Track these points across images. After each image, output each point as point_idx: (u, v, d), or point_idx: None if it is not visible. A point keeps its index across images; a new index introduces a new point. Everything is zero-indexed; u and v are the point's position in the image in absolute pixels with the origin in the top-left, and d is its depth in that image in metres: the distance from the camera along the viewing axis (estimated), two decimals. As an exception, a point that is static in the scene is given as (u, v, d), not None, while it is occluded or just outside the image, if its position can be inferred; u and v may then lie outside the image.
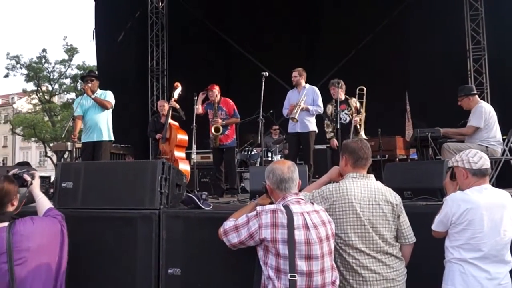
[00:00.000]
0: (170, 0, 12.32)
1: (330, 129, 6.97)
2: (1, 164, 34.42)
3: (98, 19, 11.45)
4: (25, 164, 4.77)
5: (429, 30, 10.05)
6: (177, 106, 7.38)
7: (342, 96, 6.86)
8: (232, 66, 12.07)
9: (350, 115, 6.82)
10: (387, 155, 7.97)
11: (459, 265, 2.72)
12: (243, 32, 11.59)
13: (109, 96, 6.60)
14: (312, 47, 11.50)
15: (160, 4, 12.30)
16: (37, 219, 2.80)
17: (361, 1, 10.67)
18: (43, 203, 3.03)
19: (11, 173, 3.04)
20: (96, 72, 10.45)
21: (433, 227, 2.86)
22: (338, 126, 6.44)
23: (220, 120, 6.83)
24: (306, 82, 6.91)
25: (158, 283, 3.35)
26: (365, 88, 7.03)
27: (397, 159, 7.79)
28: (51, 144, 28.82)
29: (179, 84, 7.37)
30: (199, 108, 7.00)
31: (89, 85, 6.45)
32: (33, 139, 35.15)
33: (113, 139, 6.71)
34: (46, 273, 2.71)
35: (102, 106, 6.48)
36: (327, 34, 11.26)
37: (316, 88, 6.87)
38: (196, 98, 6.99)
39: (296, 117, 6.51)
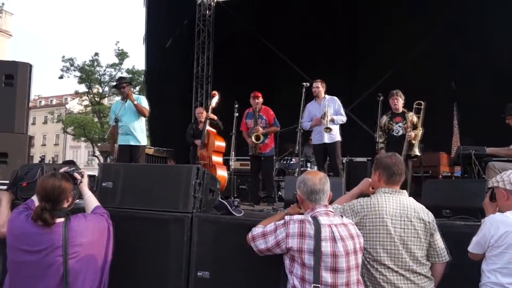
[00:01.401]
0: (218, 8, 12.55)
1: (381, 140, 6.76)
2: (40, 160, 35.64)
3: (148, 25, 11.78)
4: (70, 163, 4.97)
5: (479, 44, 9.71)
6: (215, 117, 7.48)
7: (400, 108, 6.66)
8: (275, 75, 12.11)
9: (404, 129, 6.53)
10: (430, 171, 7.78)
11: None
12: (288, 41, 11.61)
13: (144, 102, 6.77)
14: (356, 59, 11.39)
15: (207, 12, 12.53)
16: (88, 216, 2.97)
17: (406, 14, 10.48)
18: (91, 201, 3.17)
19: (62, 170, 3.17)
20: (144, 78, 10.77)
21: (470, 248, 2.75)
22: (382, 140, 6.30)
23: (260, 129, 6.86)
24: (330, 93, 6.90)
25: (187, 284, 3.40)
26: (423, 103, 6.69)
27: (441, 176, 7.59)
28: (99, 144, 29.74)
29: (216, 93, 7.50)
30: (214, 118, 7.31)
31: (125, 90, 6.64)
32: (82, 138, 36.41)
33: (146, 143, 6.84)
34: (95, 265, 2.87)
35: (141, 113, 6.63)
36: (372, 46, 11.10)
37: (336, 98, 6.83)
38: (236, 105, 7.06)
39: (328, 125, 6.48)
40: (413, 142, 6.46)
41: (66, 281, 2.66)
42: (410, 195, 2.96)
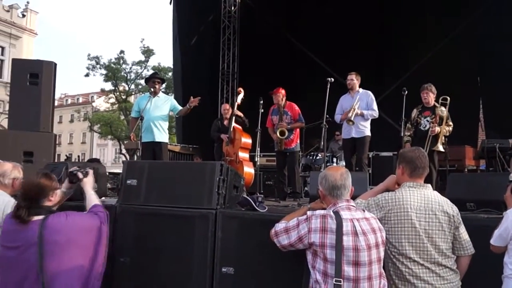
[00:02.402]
0: (243, 4, 12.58)
1: (408, 133, 6.66)
2: (65, 158, 36.21)
3: (178, 22, 11.89)
4: (95, 161, 5.07)
5: (506, 37, 9.53)
6: (241, 114, 7.52)
7: (431, 102, 6.57)
8: (301, 71, 12.10)
9: (431, 123, 6.46)
10: (455, 165, 7.68)
11: None
12: (313, 36, 11.60)
13: (176, 103, 6.89)
14: (381, 54, 11.31)
15: (232, 8, 12.57)
16: (72, 214, 2.86)
17: (433, 9, 10.33)
18: (91, 199, 3.12)
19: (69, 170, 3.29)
20: (170, 74, 10.89)
21: (492, 241, 2.77)
22: (410, 134, 6.23)
23: (285, 124, 6.87)
24: (360, 87, 6.81)
25: (212, 280, 3.46)
26: (448, 98, 6.58)
27: (466, 170, 7.49)
28: (125, 142, 30.11)
29: (241, 90, 7.53)
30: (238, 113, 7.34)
31: (157, 87, 6.74)
32: (109, 136, 36.89)
33: (168, 141, 6.96)
34: (78, 269, 2.75)
35: (184, 114, 6.83)
36: (398, 41, 11.03)
37: (370, 92, 6.75)
38: (261, 102, 7.09)
39: (352, 119, 6.44)
40: (438, 137, 6.35)
41: (42, 280, 2.63)
42: (435, 189, 2.96)
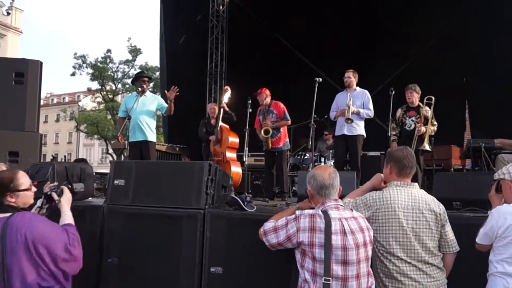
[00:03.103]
0: (231, 4, 12.55)
1: (394, 132, 6.74)
2: (51, 158, 35.88)
3: (162, 21, 11.83)
4: (81, 161, 5.03)
5: (491, 38, 9.69)
6: (227, 108, 7.51)
7: (416, 102, 6.66)
8: (290, 70, 12.12)
9: (416, 123, 6.55)
10: (442, 165, 7.77)
11: (503, 279, 2.65)
12: (301, 36, 11.63)
13: (163, 102, 6.85)
14: (370, 54, 11.37)
15: (221, 7, 12.55)
16: (39, 217, 2.80)
17: (420, 10, 10.44)
18: (65, 219, 2.94)
19: (46, 188, 3.15)
20: (158, 74, 10.85)
21: (478, 240, 2.80)
22: (395, 133, 6.29)
23: (269, 123, 6.88)
24: (357, 85, 6.82)
25: (200, 280, 3.46)
26: (433, 98, 6.67)
27: (452, 169, 7.57)
28: (112, 142, 29.94)
29: (228, 88, 7.55)
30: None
31: (145, 86, 6.70)
32: (96, 136, 36.64)
33: (155, 140, 6.91)
34: (36, 271, 2.65)
35: (171, 111, 6.72)
36: (387, 40, 11.11)
37: (367, 92, 6.74)
38: (249, 101, 7.09)
39: (350, 116, 6.42)
40: (424, 136, 6.43)
41: (3, 277, 2.58)
42: (421, 188, 3.00)
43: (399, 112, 6.77)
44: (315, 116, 6.49)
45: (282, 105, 7.03)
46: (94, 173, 5.52)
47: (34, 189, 2.96)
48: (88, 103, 44.05)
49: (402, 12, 10.75)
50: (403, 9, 10.72)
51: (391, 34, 10.93)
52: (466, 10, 9.84)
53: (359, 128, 6.61)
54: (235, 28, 12.31)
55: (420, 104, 6.65)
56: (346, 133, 6.59)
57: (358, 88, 6.78)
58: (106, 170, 4.84)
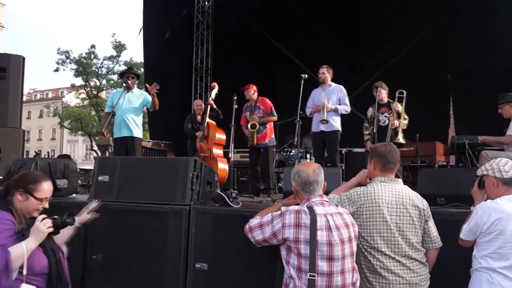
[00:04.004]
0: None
1: (367, 132, 6.88)
2: (35, 154, 35.34)
3: (145, 16, 11.73)
4: (65, 157, 4.97)
5: (475, 36, 9.81)
6: (214, 105, 7.49)
7: (385, 99, 6.75)
8: (276, 67, 12.11)
9: (389, 118, 6.64)
10: (426, 161, 7.84)
11: (487, 274, 2.68)
12: (288, 33, 11.61)
13: (149, 98, 6.79)
14: (355, 52, 11.43)
15: (206, 3, 12.48)
16: None
17: (405, 7, 10.51)
18: (17, 245, 2.53)
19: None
20: (142, 70, 10.79)
21: (462, 236, 2.82)
22: (375, 130, 6.38)
23: (257, 118, 6.87)
24: (332, 80, 6.85)
25: (186, 276, 3.44)
26: (405, 92, 6.81)
27: (437, 165, 7.64)
28: (97, 138, 29.68)
29: (216, 84, 7.53)
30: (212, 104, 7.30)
31: (130, 82, 6.65)
32: (80, 132, 36.31)
33: (141, 137, 6.86)
34: None
35: (155, 106, 6.65)
36: (371, 37, 11.15)
37: (342, 87, 6.78)
38: (235, 98, 7.07)
39: (325, 118, 6.46)
40: (398, 130, 6.57)
41: None
42: (405, 184, 3.02)
43: (370, 111, 6.88)
44: (301, 112, 6.49)
45: (269, 101, 7.03)
46: (78, 169, 5.47)
47: (46, 205, 2.81)
48: (72, 99, 43.55)
49: (388, 8, 10.80)
50: (389, 6, 10.78)
51: (377, 30, 10.98)
52: (451, 8, 9.93)
53: (336, 124, 6.65)
54: (221, 24, 12.26)
55: (390, 100, 6.79)
56: (323, 129, 6.62)
57: (333, 84, 6.82)
58: (91, 166, 4.81)
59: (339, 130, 6.68)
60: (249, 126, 6.81)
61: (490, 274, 2.66)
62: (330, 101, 6.61)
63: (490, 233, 2.67)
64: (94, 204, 3.43)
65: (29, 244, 2.52)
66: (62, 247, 2.88)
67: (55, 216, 2.66)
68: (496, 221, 2.65)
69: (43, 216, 2.62)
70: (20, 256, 2.48)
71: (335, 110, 6.58)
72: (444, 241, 2.94)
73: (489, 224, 2.67)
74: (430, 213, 2.92)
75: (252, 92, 7.00)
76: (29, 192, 2.72)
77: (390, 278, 2.74)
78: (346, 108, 6.68)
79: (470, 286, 2.78)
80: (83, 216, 3.43)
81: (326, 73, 6.80)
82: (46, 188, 2.79)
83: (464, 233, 2.80)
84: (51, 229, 2.59)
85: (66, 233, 3.25)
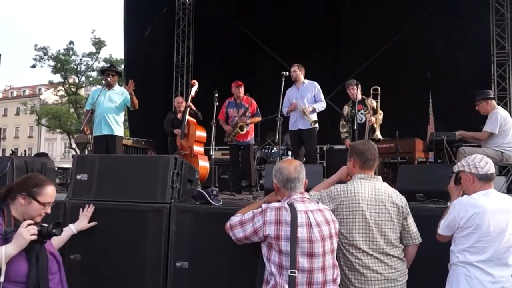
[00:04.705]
0: (198, -4, 12.43)
1: (345, 130, 6.96)
2: (11, 153, 34.80)
3: (128, 13, 11.60)
4: (42, 156, 4.88)
5: (454, 34, 9.99)
6: (193, 107, 7.46)
7: (359, 96, 6.83)
8: (257, 64, 12.12)
9: (366, 115, 6.76)
10: (406, 157, 7.92)
11: (464, 268, 2.73)
12: (269, 30, 11.62)
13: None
14: (336, 49, 11.50)
15: (187, 0, 12.41)
16: None
17: (386, 5, 10.62)
18: None
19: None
20: (123, 67, 10.67)
21: (440, 231, 2.86)
22: (355, 127, 6.44)
23: (245, 119, 6.85)
24: (309, 78, 6.88)
25: (166, 275, 3.42)
26: (379, 88, 6.93)
27: (416, 162, 7.72)
28: (75, 136, 29.29)
29: (195, 82, 7.50)
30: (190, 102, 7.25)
31: (109, 79, 6.57)
32: (58, 130, 35.75)
33: (122, 135, 6.80)
34: None
35: (135, 105, 6.58)
36: (352, 35, 11.24)
37: (315, 83, 6.82)
38: (216, 95, 7.05)
39: (313, 119, 6.52)
40: (375, 126, 6.69)
41: None
42: (384, 180, 3.05)
43: (346, 109, 6.98)
44: (282, 110, 6.51)
45: (254, 102, 7.05)
46: (56, 168, 5.39)
47: (48, 210, 2.74)
48: (50, 96, 42.86)
49: (369, 7, 10.89)
50: (370, 4, 10.87)
51: (358, 29, 11.07)
52: (431, 6, 10.07)
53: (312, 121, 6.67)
54: (202, 21, 12.20)
55: (364, 96, 6.89)
56: (301, 127, 6.68)
57: (306, 81, 6.87)
58: (69, 165, 4.73)
59: (315, 127, 6.72)
60: (238, 128, 6.79)
61: (467, 268, 2.72)
62: (306, 99, 6.66)
63: (467, 228, 2.72)
64: (90, 209, 3.45)
65: (9, 250, 2.43)
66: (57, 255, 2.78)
67: (44, 224, 2.57)
68: (472, 216, 2.70)
69: (29, 221, 2.53)
70: None
71: (313, 111, 6.64)
72: (423, 237, 2.98)
73: (466, 219, 2.71)
74: (408, 210, 2.96)
75: (242, 89, 7.00)
76: (32, 196, 2.64)
77: (368, 275, 2.78)
78: (322, 104, 6.74)
79: (448, 280, 2.83)
80: (83, 224, 3.45)
81: (297, 70, 6.85)
82: (50, 192, 2.73)
83: (442, 229, 2.85)
84: (34, 237, 2.47)
85: (66, 237, 3.25)
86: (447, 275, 2.84)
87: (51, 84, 37.01)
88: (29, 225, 2.49)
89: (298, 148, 6.88)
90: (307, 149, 6.77)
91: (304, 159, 6.73)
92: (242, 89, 7.01)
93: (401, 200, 2.93)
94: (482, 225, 2.68)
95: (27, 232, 2.45)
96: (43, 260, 2.58)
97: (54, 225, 2.55)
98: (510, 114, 6.39)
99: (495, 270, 2.69)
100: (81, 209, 3.53)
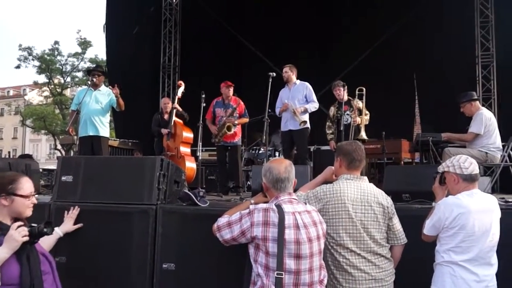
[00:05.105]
0: (185, -3, 12.39)
1: (330, 131, 6.98)
2: (8, 156, 34.42)
3: (110, 12, 11.50)
4: (26, 157, 4.82)
5: (439, 36, 10.08)
6: (180, 109, 7.43)
7: (345, 97, 6.86)
8: (244, 65, 12.11)
9: (351, 116, 6.80)
10: (392, 158, 7.96)
11: (449, 268, 2.75)
12: (256, 31, 11.62)
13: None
14: (324, 50, 11.54)
15: (174, 0, 12.35)
16: None
17: (373, 7, 10.69)
18: None
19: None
20: (106, 68, 10.57)
21: (425, 231, 2.89)
22: (342, 128, 6.46)
23: (233, 120, 6.83)
24: (297, 78, 6.89)
25: (152, 277, 3.40)
26: (364, 89, 6.98)
27: (402, 162, 7.78)
28: (61, 137, 28.97)
29: (182, 83, 7.48)
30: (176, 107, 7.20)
31: (95, 79, 6.52)
32: (43, 131, 35.33)
33: (108, 135, 6.75)
34: None
35: (121, 106, 6.54)
36: (339, 37, 11.30)
37: (307, 84, 6.83)
38: (203, 96, 7.03)
39: (303, 120, 6.51)
40: (360, 127, 6.74)
41: None
42: (371, 181, 3.07)
43: (332, 110, 7.02)
44: (269, 110, 6.50)
45: (242, 103, 7.04)
46: (40, 170, 5.33)
47: (35, 200, 2.72)
48: (34, 97, 42.35)
49: (355, 7, 10.95)
50: (356, 4, 10.93)
51: (345, 29, 11.13)
52: (418, 7, 10.15)
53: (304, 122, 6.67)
54: (189, 22, 12.16)
55: (350, 97, 6.94)
56: (291, 128, 6.70)
57: (298, 82, 6.88)
58: (54, 166, 4.68)
59: (307, 127, 6.72)
60: (225, 128, 6.77)
61: (452, 267, 2.74)
62: (297, 100, 6.67)
63: (452, 228, 2.74)
64: (75, 211, 3.42)
65: (1, 253, 2.40)
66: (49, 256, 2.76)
67: (33, 224, 2.53)
68: (458, 216, 2.72)
69: (19, 223, 2.49)
70: None
71: (305, 111, 6.63)
72: (409, 237, 3.00)
73: (451, 219, 2.74)
74: (394, 210, 2.98)
75: (231, 90, 7.00)
76: (12, 193, 2.60)
77: (356, 275, 2.79)
78: (314, 105, 6.74)
79: (433, 279, 2.85)
80: (68, 226, 3.42)
81: (289, 71, 6.87)
82: (27, 183, 2.69)
83: (427, 229, 2.87)
84: (26, 238, 2.44)
85: (53, 240, 3.22)
86: (433, 274, 2.86)
87: (36, 84, 36.55)
88: (19, 226, 2.45)
89: (289, 149, 6.88)
90: (298, 151, 6.77)
91: (297, 161, 6.73)
92: (231, 90, 7.00)
93: (386, 200, 2.95)
94: (467, 225, 2.71)
95: (18, 234, 2.42)
96: (34, 261, 2.55)
97: (45, 224, 2.53)
98: (494, 115, 6.50)
99: (480, 269, 2.71)
100: (66, 212, 3.50)
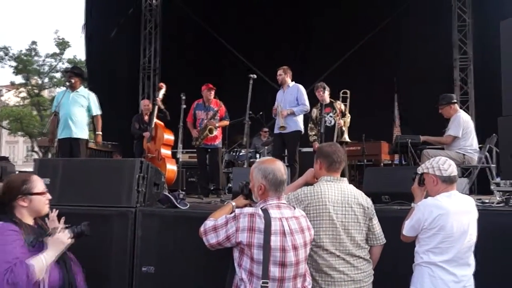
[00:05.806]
0: (164, -2, 12.31)
1: (313, 133, 6.98)
2: None
3: (88, 13, 11.35)
4: (2, 159, 4.73)
5: (418, 39, 10.26)
6: (162, 106, 7.37)
7: (327, 99, 6.88)
8: (224, 66, 12.10)
9: (334, 118, 6.81)
10: (372, 160, 8.05)
11: (428, 268, 2.78)
12: (236, 32, 11.63)
13: (95, 100, 6.58)
14: (304, 52, 11.62)
15: (154, 1, 12.26)
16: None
17: (352, 10, 10.79)
18: (37, 257, 2.46)
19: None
20: (85, 69, 10.43)
21: (404, 232, 2.91)
22: (323, 130, 6.48)
23: (214, 122, 6.80)
24: (292, 81, 6.88)
25: (132, 280, 3.36)
26: (348, 92, 7.03)
27: (382, 164, 7.86)
28: (38, 139, 28.51)
29: (163, 85, 7.40)
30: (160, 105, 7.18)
31: (72, 80, 6.42)
32: (19, 133, 34.67)
33: (87, 137, 6.66)
34: None
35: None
36: (318, 39, 11.37)
37: (300, 86, 6.80)
38: (184, 97, 6.99)
39: (283, 124, 6.50)
40: (343, 129, 6.76)
41: None
42: (351, 182, 3.09)
43: (315, 112, 6.99)
44: (250, 112, 6.50)
45: (223, 106, 7.01)
46: (17, 172, 5.23)
47: (49, 196, 2.76)
48: (11, 97, 41.55)
49: (336, 9, 11.03)
50: (337, 6, 11.01)
51: (325, 31, 11.21)
52: (398, 10, 10.29)
53: (294, 124, 6.64)
54: (169, 23, 12.07)
55: (332, 99, 6.95)
56: (281, 131, 6.65)
57: (292, 84, 6.86)
58: (31, 168, 4.59)
59: (298, 130, 6.69)
60: (207, 130, 6.73)
61: (431, 268, 2.77)
62: (288, 103, 6.65)
63: (431, 229, 2.77)
64: (54, 214, 3.20)
65: (48, 257, 2.47)
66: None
67: (67, 225, 2.66)
68: (437, 217, 2.75)
69: (61, 226, 2.62)
70: (42, 270, 2.41)
71: (292, 113, 6.60)
72: (388, 237, 3.02)
73: (430, 221, 2.76)
74: (374, 211, 3.00)
75: (213, 93, 6.98)
76: (28, 193, 2.64)
77: (335, 276, 2.79)
78: (303, 108, 6.67)
79: (412, 280, 2.87)
80: (56, 225, 3.32)
81: (282, 74, 6.84)
82: (38, 180, 2.75)
83: (407, 230, 2.89)
84: (71, 240, 2.57)
85: None
86: (412, 275, 2.89)
87: (12, 85, 35.85)
88: (62, 228, 2.59)
89: (279, 152, 6.83)
90: (288, 152, 6.76)
91: (287, 164, 6.73)
92: (213, 93, 6.97)
93: (366, 201, 2.96)
94: (446, 226, 2.73)
95: (65, 236, 2.55)
96: (69, 263, 2.67)
97: (83, 224, 2.68)
98: (471, 117, 6.62)
99: (458, 270, 2.75)
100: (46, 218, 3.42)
